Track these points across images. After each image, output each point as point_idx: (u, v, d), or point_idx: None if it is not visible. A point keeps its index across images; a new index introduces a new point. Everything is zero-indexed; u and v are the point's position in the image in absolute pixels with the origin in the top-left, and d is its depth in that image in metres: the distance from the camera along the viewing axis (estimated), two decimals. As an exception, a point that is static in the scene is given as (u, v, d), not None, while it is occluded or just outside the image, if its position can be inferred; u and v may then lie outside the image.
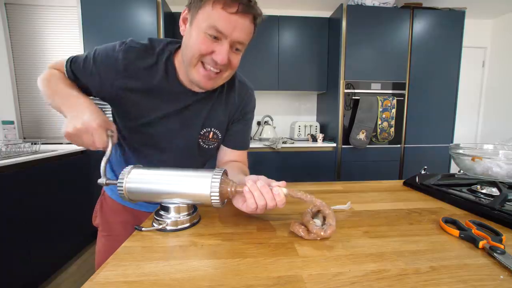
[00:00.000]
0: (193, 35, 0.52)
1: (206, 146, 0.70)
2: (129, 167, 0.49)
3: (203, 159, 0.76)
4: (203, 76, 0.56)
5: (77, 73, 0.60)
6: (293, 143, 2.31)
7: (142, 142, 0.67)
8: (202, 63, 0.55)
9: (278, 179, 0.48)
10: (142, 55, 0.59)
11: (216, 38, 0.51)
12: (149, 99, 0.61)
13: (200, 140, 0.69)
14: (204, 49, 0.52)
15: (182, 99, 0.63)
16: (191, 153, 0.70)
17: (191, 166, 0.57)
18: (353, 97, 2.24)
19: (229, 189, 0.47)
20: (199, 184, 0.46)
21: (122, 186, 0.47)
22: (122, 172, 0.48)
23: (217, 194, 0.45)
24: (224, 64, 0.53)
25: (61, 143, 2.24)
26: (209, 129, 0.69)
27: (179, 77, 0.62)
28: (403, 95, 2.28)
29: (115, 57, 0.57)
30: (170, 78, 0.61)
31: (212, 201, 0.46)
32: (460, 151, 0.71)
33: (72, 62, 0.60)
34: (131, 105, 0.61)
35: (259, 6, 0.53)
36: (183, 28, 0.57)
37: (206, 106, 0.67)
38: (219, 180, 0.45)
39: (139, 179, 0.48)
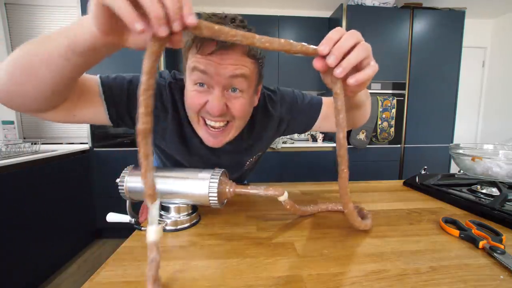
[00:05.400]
0: (187, 89, 0.48)
1: (249, 164, 0.71)
2: (130, 166, 0.49)
3: None
4: (208, 134, 0.51)
5: (113, 88, 0.50)
6: (293, 143, 2.31)
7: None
8: (203, 119, 0.50)
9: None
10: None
11: (206, 86, 0.46)
12: (183, 151, 0.59)
13: (245, 166, 0.70)
14: (197, 103, 0.47)
15: (209, 158, 0.61)
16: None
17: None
18: (353, 97, 2.24)
19: (227, 189, 0.47)
20: (197, 184, 0.46)
21: (123, 186, 0.47)
22: (123, 172, 0.49)
23: (215, 195, 0.45)
24: (221, 113, 0.47)
25: (61, 143, 2.25)
26: (251, 158, 0.68)
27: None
28: (403, 95, 2.28)
29: (161, 91, 0.53)
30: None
31: (211, 201, 0.46)
32: (460, 151, 0.71)
33: (103, 76, 0.50)
34: (168, 147, 0.59)
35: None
36: None
37: (238, 153, 0.63)
38: (217, 181, 0.45)
39: (139, 179, 0.48)
